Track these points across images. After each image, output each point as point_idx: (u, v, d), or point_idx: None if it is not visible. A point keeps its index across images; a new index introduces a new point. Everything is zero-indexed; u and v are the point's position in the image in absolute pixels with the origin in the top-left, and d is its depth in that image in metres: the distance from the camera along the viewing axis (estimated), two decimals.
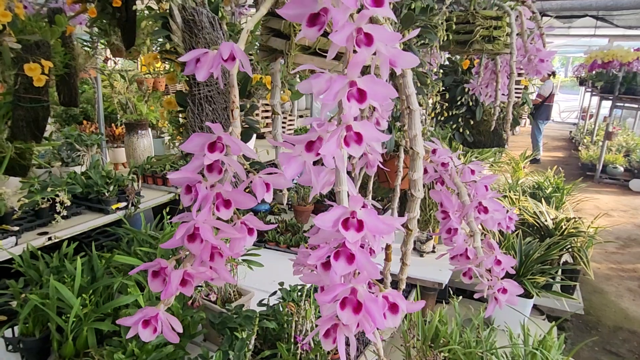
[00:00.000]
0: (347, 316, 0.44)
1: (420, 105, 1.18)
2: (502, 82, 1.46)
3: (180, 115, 1.04)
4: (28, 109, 1.55)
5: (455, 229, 0.81)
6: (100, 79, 4.35)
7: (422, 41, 1.10)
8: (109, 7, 1.40)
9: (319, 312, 2.24)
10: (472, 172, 0.96)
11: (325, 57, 0.65)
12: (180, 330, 0.56)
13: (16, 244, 2.94)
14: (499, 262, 0.77)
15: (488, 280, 0.77)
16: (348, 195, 0.52)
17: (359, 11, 0.49)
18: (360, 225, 0.45)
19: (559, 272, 3.43)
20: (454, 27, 1.29)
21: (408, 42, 1.05)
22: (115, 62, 5.37)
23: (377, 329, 0.48)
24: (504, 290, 0.76)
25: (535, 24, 1.36)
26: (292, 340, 1.87)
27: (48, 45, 1.30)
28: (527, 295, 2.89)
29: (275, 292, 2.13)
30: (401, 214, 1.49)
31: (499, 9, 1.32)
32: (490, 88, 1.49)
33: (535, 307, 3.58)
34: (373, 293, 0.50)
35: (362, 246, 1.03)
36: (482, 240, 0.85)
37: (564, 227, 3.27)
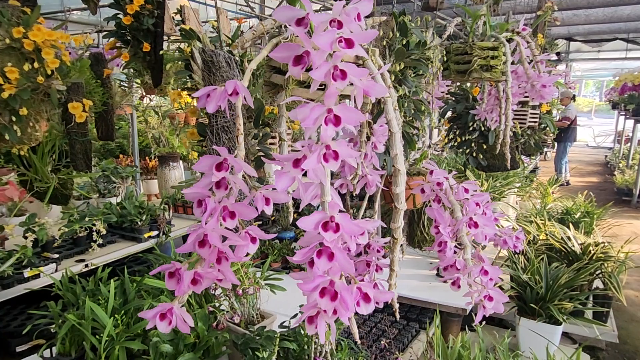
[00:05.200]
0: (325, 303, 0.52)
1: (417, 129, 1.26)
2: (504, 107, 1.53)
3: (201, 144, 1.17)
4: (81, 142, 1.74)
5: (445, 242, 0.88)
6: (135, 115, 4.64)
7: (417, 72, 1.20)
8: (140, 52, 1.59)
9: (339, 334, 2.27)
10: (466, 190, 1.03)
11: (319, 89, 0.75)
12: (192, 324, 0.65)
13: (56, 270, 3.12)
14: (486, 272, 0.83)
15: (476, 289, 0.83)
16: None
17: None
18: (337, 228, 0.54)
19: (590, 298, 3.34)
20: (452, 58, 1.38)
21: (404, 72, 1.16)
22: (150, 99, 5.69)
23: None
24: (490, 298, 0.81)
25: (530, 52, 1.44)
26: None
27: (82, 86, 1.48)
28: (555, 321, 2.83)
29: (296, 315, 2.19)
30: (409, 232, 1.56)
31: (495, 40, 1.41)
32: (495, 113, 1.56)
33: (567, 335, 3.47)
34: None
35: (368, 247, 1.11)
36: (472, 252, 0.91)
37: (592, 251, 3.20)
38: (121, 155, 5.54)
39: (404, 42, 1.14)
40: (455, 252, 0.89)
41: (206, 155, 0.65)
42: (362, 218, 1.35)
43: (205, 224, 0.65)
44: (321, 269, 0.53)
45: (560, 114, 8.62)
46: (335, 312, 0.52)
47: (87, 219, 3.54)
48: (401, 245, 1.92)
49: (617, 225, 4.92)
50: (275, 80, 0.79)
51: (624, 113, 10.29)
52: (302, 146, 0.57)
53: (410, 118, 1.16)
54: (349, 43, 0.56)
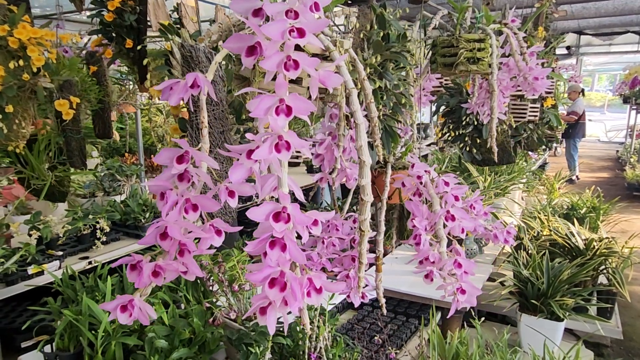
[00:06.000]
0: (274, 294, 0.51)
1: (399, 122, 1.25)
2: (497, 101, 1.51)
3: (185, 139, 1.17)
4: (77, 140, 1.76)
5: (420, 235, 0.87)
6: (139, 114, 4.68)
7: (398, 65, 1.19)
8: (124, 49, 1.60)
9: (335, 330, 2.27)
10: (446, 184, 1.02)
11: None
12: (155, 317, 0.65)
13: (59, 268, 3.16)
14: (459, 265, 0.82)
15: (449, 281, 0.82)
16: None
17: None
18: (289, 218, 0.54)
19: (594, 295, 3.29)
20: (439, 51, 1.36)
21: (384, 65, 1.14)
22: (159, 98, 5.70)
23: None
24: (463, 291, 0.80)
25: (518, 44, 1.42)
26: (307, 357, 1.92)
27: (73, 83, 1.50)
28: (557, 318, 2.80)
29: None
30: (398, 227, 1.54)
31: (482, 32, 1.39)
32: (486, 107, 1.54)
33: (572, 332, 3.43)
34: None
35: (354, 241, 1.10)
36: (450, 246, 0.90)
37: (595, 247, 3.16)
38: (127, 154, 5.58)
39: (382, 34, 1.13)
40: (431, 245, 0.88)
41: (166, 148, 0.65)
42: (347, 213, 1.34)
43: (166, 216, 0.65)
44: (274, 259, 0.53)
45: (567, 109, 8.49)
46: (286, 303, 0.52)
47: (90, 216, 3.58)
48: (392, 240, 1.90)
49: (626, 221, 4.85)
50: (244, 74, 0.79)
51: (635, 107, 10.12)
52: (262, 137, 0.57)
53: (391, 111, 1.15)
54: (301, 32, 0.56)
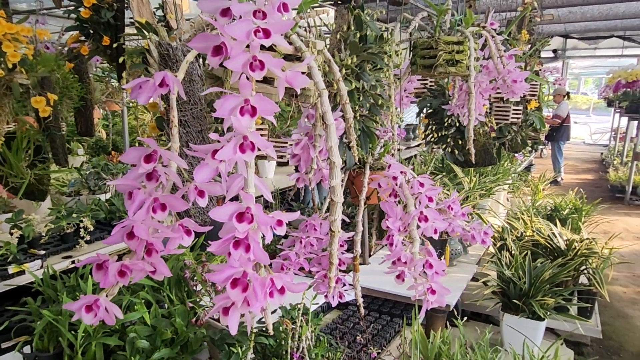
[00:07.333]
0: (235, 294, 0.52)
1: (377, 122, 1.26)
2: (476, 103, 1.53)
3: (162, 138, 1.17)
4: (59, 137, 1.74)
5: (393, 235, 0.88)
6: (126, 112, 4.64)
7: (375, 66, 1.20)
8: (101, 46, 1.59)
9: (319, 330, 2.28)
10: (421, 185, 1.03)
11: (258, 81, 0.75)
12: (121, 317, 0.65)
13: (42, 267, 3.12)
14: (430, 266, 0.83)
15: (419, 281, 0.83)
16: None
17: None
18: (252, 219, 0.54)
19: (575, 294, 3.34)
20: (419, 52, 1.38)
21: (361, 66, 1.15)
22: None
23: None
24: (433, 291, 0.81)
25: (495, 46, 1.44)
26: (289, 356, 1.92)
27: (50, 80, 1.49)
28: (538, 317, 2.83)
29: (275, 310, 2.19)
30: (378, 227, 1.56)
31: (460, 35, 1.40)
32: (466, 108, 1.56)
33: (553, 331, 3.48)
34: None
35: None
36: (422, 246, 0.91)
37: (576, 247, 3.21)
38: (113, 152, 5.53)
39: (358, 35, 1.13)
40: (404, 246, 0.89)
41: (133, 147, 0.65)
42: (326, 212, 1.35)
43: (133, 215, 0.65)
44: (236, 258, 0.53)
45: (552, 112, 8.61)
46: (248, 303, 0.52)
47: (74, 215, 3.53)
48: (372, 240, 1.91)
49: (608, 222, 4.93)
50: (217, 73, 0.79)
51: (619, 110, 10.28)
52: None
53: (368, 112, 1.16)
54: (266, 33, 0.56)
